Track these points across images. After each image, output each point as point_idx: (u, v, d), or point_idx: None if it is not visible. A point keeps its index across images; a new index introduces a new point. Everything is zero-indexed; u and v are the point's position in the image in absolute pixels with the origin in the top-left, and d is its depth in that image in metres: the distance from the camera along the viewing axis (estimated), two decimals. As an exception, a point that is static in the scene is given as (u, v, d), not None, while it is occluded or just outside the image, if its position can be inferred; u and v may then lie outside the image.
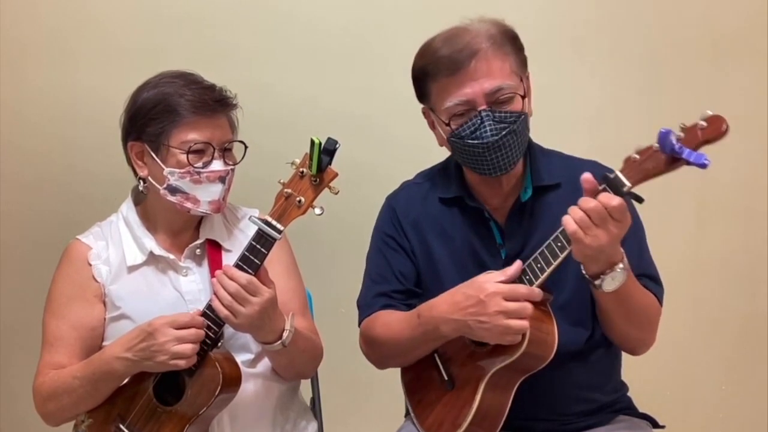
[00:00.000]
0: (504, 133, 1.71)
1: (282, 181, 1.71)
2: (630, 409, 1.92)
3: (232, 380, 1.77)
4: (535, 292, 1.65)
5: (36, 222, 2.57)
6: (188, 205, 1.85)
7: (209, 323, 1.74)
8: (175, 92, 1.83)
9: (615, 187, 1.55)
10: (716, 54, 2.61)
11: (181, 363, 1.71)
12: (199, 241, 1.92)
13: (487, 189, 1.84)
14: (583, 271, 1.63)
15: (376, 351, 1.90)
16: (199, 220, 1.95)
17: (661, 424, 1.93)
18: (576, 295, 1.77)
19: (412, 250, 1.89)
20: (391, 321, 1.84)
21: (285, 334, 1.78)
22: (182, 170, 1.82)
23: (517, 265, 1.67)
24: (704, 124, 1.48)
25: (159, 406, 1.78)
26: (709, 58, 2.61)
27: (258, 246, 1.71)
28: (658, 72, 2.61)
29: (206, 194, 1.84)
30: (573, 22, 2.60)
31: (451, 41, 1.74)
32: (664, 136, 1.49)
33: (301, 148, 1.69)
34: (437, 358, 1.81)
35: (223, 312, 1.71)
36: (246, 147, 1.91)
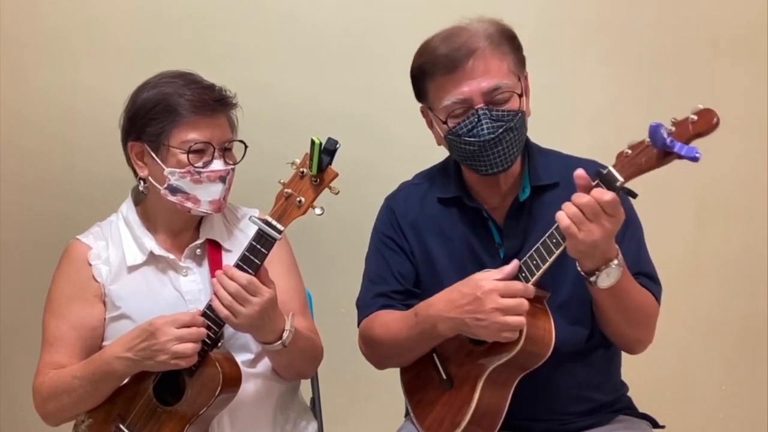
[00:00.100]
0: (501, 131, 1.71)
1: (282, 181, 1.71)
2: (630, 409, 1.92)
3: (233, 380, 1.77)
4: (531, 289, 1.65)
5: (36, 222, 2.57)
6: (189, 204, 1.85)
7: (209, 323, 1.74)
8: (175, 92, 1.83)
9: (608, 182, 1.55)
10: (716, 54, 2.60)
11: (182, 362, 1.72)
12: (199, 241, 1.92)
13: (486, 189, 1.84)
14: (579, 268, 1.64)
15: (375, 351, 1.90)
16: (199, 220, 1.95)
17: (661, 424, 1.93)
18: (575, 294, 1.76)
19: (411, 250, 1.89)
20: (390, 321, 1.84)
21: (285, 334, 1.78)
22: (182, 170, 1.82)
23: (514, 263, 1.67)
24: (695, 117, 1.48)
25: (159, 406, 1.78)
26: (709, 58, 2.60)
27: (258, 246, 1.71)
28: (658, 72, 2.61)
29: (207, 194, 1.84)
30: (573, 22, 2.60)
31: (449, 40, 1.75)
32: (654, 130, 1.48)
33: (301, 148, 1.69)
34: (436, 358, 1.81)
35: (223, 312, 1.71)
36: (246, 147, 1.91)
